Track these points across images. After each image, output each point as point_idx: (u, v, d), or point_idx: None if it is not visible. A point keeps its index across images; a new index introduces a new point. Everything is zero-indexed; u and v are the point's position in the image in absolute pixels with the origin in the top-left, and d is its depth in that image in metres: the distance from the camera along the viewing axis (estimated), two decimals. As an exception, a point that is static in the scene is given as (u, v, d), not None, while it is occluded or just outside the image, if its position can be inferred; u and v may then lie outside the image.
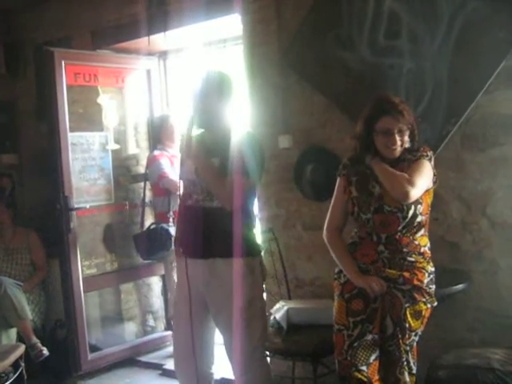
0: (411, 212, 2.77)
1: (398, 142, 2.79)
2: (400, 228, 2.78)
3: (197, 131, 3.04)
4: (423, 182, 2.77)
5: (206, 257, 2.96)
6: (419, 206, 2.79)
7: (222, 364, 3.27)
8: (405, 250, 2.79)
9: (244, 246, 2.93)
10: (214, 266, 2.96)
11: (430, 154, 2.85)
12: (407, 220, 2.77)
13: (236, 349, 3.00)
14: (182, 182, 3.11)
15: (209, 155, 2.95)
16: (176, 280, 3.41)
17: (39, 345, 4.51)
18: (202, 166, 2.94)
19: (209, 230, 2.95)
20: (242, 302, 2.93)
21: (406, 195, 2.70)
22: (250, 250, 3.00)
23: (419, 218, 2.80)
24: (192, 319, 3.01)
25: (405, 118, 2.77)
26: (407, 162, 2.83)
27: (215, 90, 2.98)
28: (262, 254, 3.15)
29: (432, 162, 2.85)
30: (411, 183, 2.70)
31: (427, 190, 2.83)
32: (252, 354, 3.00)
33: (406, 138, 2.81)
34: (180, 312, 3.10)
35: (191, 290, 3.00)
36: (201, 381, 3.11)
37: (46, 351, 4.49)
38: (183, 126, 3.06)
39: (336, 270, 2.97)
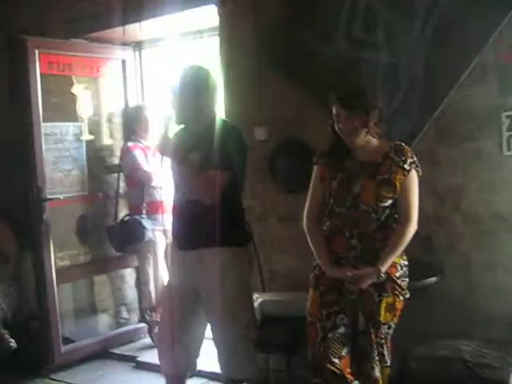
0: (385, 214, 2.79)
1: (347, 128, 2.78)
2: (373, 227, 2.79)
3: (176, 128, 3.12)
4: (417, 206, 2.81)
5: (194, 248, 3.05)
6: (394, 209, 2.81)
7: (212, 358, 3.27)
8: (378, 244, 2.79)
9: (229, 236, 2.99)
10: (201, 257, 3.04)
11: (415, 158, 2.82)
12: (381, 221, 2.79)
13: (222, 337, 3.08)
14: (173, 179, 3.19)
15: (189, 150, 3.00)
16: (169, 272, 3.48)
17: (7, 336, 4.45)
18: (178, 163, 3.00)
19: (196, 223, 3.02)
20: (228, 291, 3.01)
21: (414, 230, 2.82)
22: (236, 240, 3.07)
23: (392, 219, 2.82)
24: (182, 309, 3.12)
25: (350, 104, 2.75)
26: (394, 165, 2.78)
27: (193, 85, 3.01)
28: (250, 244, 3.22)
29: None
30: (412, 223, 2.79)
31: None
32: (238, 343, 3.06)
33: (358, 124, 2.77)
34: (171, 302, 3.17)
35: (184, 281, 3.12)
36: (183, 369, 3.20)
37: (13, 343, 4.43)
38: (160, 124, 3.11)
39: (314, 263, 2.97)
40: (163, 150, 3.02)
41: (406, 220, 2.79)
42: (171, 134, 3.07)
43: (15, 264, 4.98)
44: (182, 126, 3.13)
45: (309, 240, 2.95)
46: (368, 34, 3.56)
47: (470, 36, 3.25)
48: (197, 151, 3.01)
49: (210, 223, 2.96)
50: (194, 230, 3.04)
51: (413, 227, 2.79)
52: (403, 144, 2.86)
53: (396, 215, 2.82)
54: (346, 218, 2.82)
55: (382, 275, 2.72)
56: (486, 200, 3.36)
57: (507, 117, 3.27)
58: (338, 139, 2.88)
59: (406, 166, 2.78)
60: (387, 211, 2.79)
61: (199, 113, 3.05)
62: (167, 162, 3.07)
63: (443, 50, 3.33)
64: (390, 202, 2.78)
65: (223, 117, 3.23)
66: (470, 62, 3.28)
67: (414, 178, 2.81)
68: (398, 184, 2.77)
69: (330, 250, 2.88)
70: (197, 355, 3.24)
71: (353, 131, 2.79)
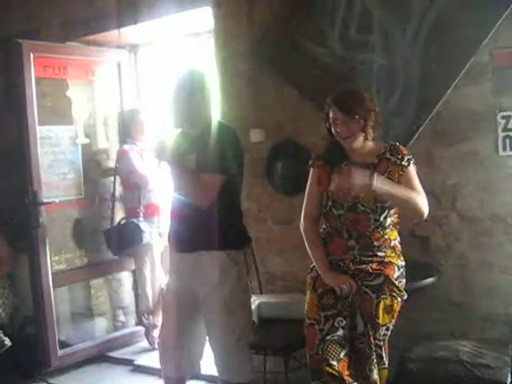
0: (384, 214, 2.79)
1: (345, 132, 2.78)
2: (372, 228, 2.79)
3: (174, 132, 3.12)
4: (422, 189, 2.79)
5: (192, 250, 3.03)
6: (392, 210, 2.81)
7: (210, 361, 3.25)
8: (376, 244, 2.80)
9: (226, 239, 2.98)
10: (199, 259, 3.03)
11: (411, 155, 2.82)
12: (379, 222, 2.79)
13: (219, 339, 3.07)
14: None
15: (185, 153, 3.00)
16: (167, 275, 3.45)
17: (0, 335, 4.43)
18: (175, 166, 2.97)
19: (193, 225, 3.01)
20: (225, 295, 3.00)
21: (425, 213, 2.75)
22: (233, 243, 3.05)
23: (390, 220, 2.83)
24: (181, 311, 3.10)
25: (348, 108, 2.75)
26: (390, 164, 2.78)
27: (188, 88, 3.01)
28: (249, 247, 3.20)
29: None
30: (423, 195, 2.75)
31: None
32: (235, 346, 3.05)
33: (356, 128, 2.77)
34: (171, 304, 3.18)
35: (182, 283, 3.10)
36: (185, 372, 3.20)
37: (8, 341, 4.41)
38: (157, 128, 3.10)
39: (311, 265, 2.97)
40: (159, 154, 3.01)
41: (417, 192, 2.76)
42: (168, 138, 3.06)
43: (11, 268, 4.96)
44: (179, 129, 3.13)
45: (306, 243, 2.95)
46: (363, 36, 3.56)
47: (465, 36, 3.26)
48: (193, 154, 3.01)
49: (207, 226, 2.96)
50: (192, 232, 3.03)
51: (422, 198, 2.74)
52: (398, 144, 2.86)
53: (394, 215, 2.82)
54: (344, 220, 2.82)
55: (374, 184, 2.64)
56: (482, 200, 3.36)
57: (503, 117, 3.27)
58: (334, 141, 2.88)
59: (404, 163, 2.78)
60: (385, 211, 2.79)
61: (195, 116, 3.04)
62: (164, 166, 3.07)
63: (439, 51, 3.33)
64: (387, 202, 2.78)
65: (219, 119, 3.22)
66: (466, 63, 3.28)
67: (413, 170, 2.80)
68: (396, 181, 2.76)
69: (327, 253, 2.88)
70: (200, 357, 3.23)
71: (350, 135, 2.79)
